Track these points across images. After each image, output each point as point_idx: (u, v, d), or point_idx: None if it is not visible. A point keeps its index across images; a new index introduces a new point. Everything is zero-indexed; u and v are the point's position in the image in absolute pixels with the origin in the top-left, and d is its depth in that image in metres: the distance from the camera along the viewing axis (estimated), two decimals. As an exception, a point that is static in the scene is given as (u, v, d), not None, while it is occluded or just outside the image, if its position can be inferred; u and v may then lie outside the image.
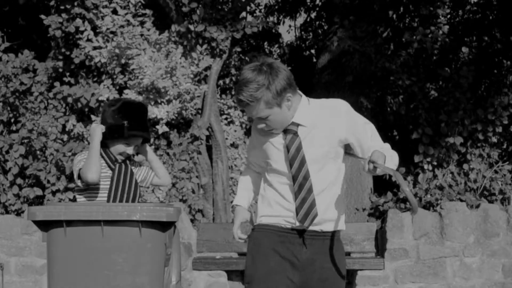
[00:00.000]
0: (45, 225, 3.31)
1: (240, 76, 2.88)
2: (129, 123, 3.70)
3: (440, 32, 8.60)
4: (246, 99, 2.81)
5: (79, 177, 3.70)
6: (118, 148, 3.75)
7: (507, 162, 8.40)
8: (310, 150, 2.88)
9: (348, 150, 3.00)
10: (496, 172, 8.27)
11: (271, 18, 12.63)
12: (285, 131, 2.91)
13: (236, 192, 3.19)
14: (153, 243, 3.27)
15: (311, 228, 2.92)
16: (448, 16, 10.25)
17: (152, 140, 7.61)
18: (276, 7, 12.31)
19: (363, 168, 2.75)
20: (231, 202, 8.10)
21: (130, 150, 3.76)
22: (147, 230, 3.23)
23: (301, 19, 20.07)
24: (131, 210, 3.20)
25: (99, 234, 3.22)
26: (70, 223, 3.23)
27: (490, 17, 10.41)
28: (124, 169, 3.79)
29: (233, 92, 8.68)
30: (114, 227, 3.22)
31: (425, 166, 8.21)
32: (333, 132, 2.89)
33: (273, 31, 12.88)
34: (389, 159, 2.82)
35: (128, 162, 3.85)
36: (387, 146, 2.95)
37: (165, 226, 3.29)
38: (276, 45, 13.67)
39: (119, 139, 3.71)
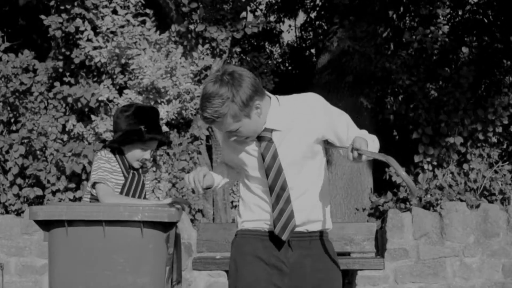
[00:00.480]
0: (46, 225, 3.30)
1: (202, 90, 2.67)
2: (146, 127, 3.66)
3: (440, 32, 8.60)
4: (211, 116, 2.62)
5: (94, 185, 3.66)
6: (135, 154, 3.69)
7: (507, 162, 8.41)
8: (287, 154, 2.73)
9: (326, 144, 2.84)
10: (496, 172, 8.28)
11: (271, 18, 12.64)
12: (259, 138, 2.74)
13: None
14: (155, 243, 3.25)
15: (296, 229, 2.77)
16: (448, 16, 10.25)
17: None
18: (276, 6, 12.32)
19: (347, 157, 2.60)
20: (231, 202, 8.12)
21: (147, 154, 3.70)
22: (148, 231, 3.21)
23: (301, 19, 20.05)
24: (132, 210, 3.19)
25: (100, 234, 3.21)
26: (71, 223, 3.23)
27: (490, 17, 10.42)
28: (136, 179, 3.75)
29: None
30: (115, 227, 3.21)
31: (425, 166, 8.21)
32: (309, 131, 2.73)
33: (274, 31, 12.87)
34: (371, 143, 2.67)
35: (140, 171, 3.80)
36: (365, 132, 2.81)
37: (166, 226, 3.27)
38: (277, 45, 13.68)
39: (137, 143, 3.67)
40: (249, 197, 2.83)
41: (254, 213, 2.81)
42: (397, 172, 2.50)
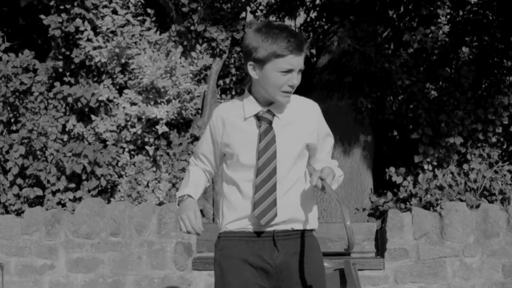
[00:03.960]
0: None
1: (277, 27, 2.62)
2: None
3: (440, 32, 8.60)
4: (306, 41, 2.62)
5: None
6: None
7: (507, 162, 8.40)
8: (284, 146, 2.71)
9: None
10: (496, 172, 8.28)
11: (271, 18, 12.62)
12: (260, 118, 2.70)
13: (183, 183, 2.92)
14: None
15: (281, 227, 2.72)
16: (448, 16, 10.25)
17: (152, 140, 7.62)
18: (275, 6, 12.31)
19: (310, 181, 2.60)
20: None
21: None
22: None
23: (301, 18, 20.04)
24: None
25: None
26: None
27: (490, 17, 10.41)
28: None
29: (233, 92, 8.68)
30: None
31: (425, 166, 8.21)
32: (305, 133, 2.75)
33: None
34: (337, 178, 2.73)
35: None
36: (335, 163, 2.85)
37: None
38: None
39: None
40: (232, 196, 2.76)
41: (238, 212, 2.75)
42: (344, 221, 2.49)
